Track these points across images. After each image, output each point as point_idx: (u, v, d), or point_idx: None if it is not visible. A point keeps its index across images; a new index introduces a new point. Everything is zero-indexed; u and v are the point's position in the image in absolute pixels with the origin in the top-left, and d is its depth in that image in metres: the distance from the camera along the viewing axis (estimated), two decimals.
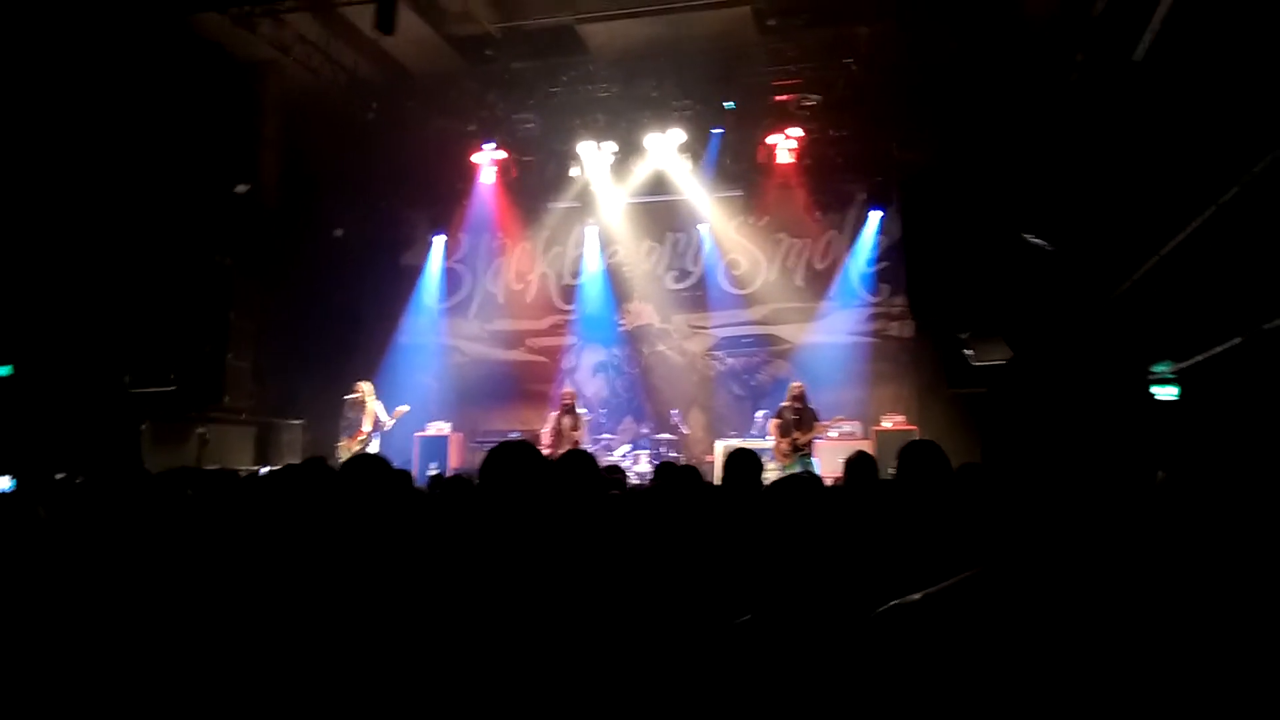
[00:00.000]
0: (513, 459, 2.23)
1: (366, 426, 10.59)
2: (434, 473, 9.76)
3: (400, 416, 10.86)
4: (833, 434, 11.10)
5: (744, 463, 3.75)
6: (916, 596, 1.22)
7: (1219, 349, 6.38)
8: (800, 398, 10.32)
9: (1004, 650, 1.12)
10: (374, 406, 10.71)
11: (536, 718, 1.89)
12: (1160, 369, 7.20)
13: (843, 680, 1.39)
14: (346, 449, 10.41)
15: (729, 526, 3.05)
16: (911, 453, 3.25)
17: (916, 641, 1.17)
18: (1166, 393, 7.04)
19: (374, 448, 10.45)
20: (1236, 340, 6.12)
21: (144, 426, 9.76)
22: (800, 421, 10.23)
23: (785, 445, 10.17)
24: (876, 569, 1.98)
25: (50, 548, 2.63)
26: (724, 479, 3.80)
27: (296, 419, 12.43)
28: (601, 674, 1.95)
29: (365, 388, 10.84)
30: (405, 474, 4.79)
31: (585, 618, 2.03)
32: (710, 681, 1.91)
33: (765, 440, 10.86)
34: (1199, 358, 6.72)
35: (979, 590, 1.18)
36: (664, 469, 4.20)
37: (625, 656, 2.01)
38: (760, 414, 12.01)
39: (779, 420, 10.39)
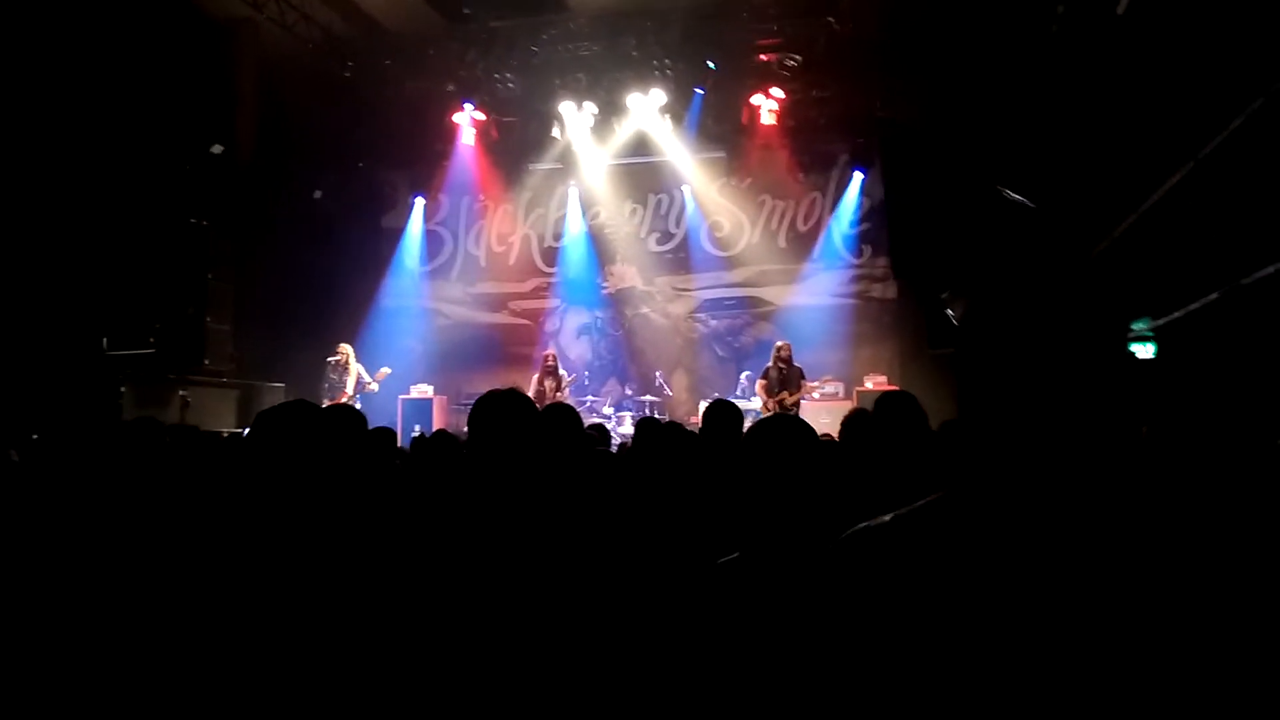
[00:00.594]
0: (502, 406, 2.23)
1: (350, 388, 10.59)
2: (418, 434, 9.78)
3: (383, 379, 10.85)
4: (815, 395, 11.17)
5: (724, 413, 3.79)
6: (886, 518, 1.24)
7: (1197, 305, 6.43)
8: (787, 358, 10.37)
9: (973, 569, 1.14)
10: (356, 368, 10.70)
11: (534, 659, 1.91)
12: (1138, 326, 7.25)
13: (820, 604, 1.41)
14: None
15: (711, 472, 3.08)
16: (888, 402, 3.31)
17: (886, 561, 1.19)
18: (1144, 350, 7.09)
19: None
20: (1214, 296, 6.16)
21: (124, 389, 9.71)
22: (786, 381, 10.27)
23: (772, 405, 10.22)
24: (857, 504, 2.00)
25: (20, 488, 2.63)
26: (704, 429, 3.84)
27: (278, 381, 12.39)
28: (594, 617, 1.97)
29: (347, 349, 10.83)
30: (389, 430, 4.81)
31: (577, 560, 2.05)
32: (698, 619, 1.93)
33: (750, 401, 10.92)
34: (1177, 314, 6.77)
35: (948, 511, 1.20)
36: (646, 424, 4.22)
37: (617, 598, 2.03)
38: (745, 375, 12.06)
39: (765, 380, 10.43)
